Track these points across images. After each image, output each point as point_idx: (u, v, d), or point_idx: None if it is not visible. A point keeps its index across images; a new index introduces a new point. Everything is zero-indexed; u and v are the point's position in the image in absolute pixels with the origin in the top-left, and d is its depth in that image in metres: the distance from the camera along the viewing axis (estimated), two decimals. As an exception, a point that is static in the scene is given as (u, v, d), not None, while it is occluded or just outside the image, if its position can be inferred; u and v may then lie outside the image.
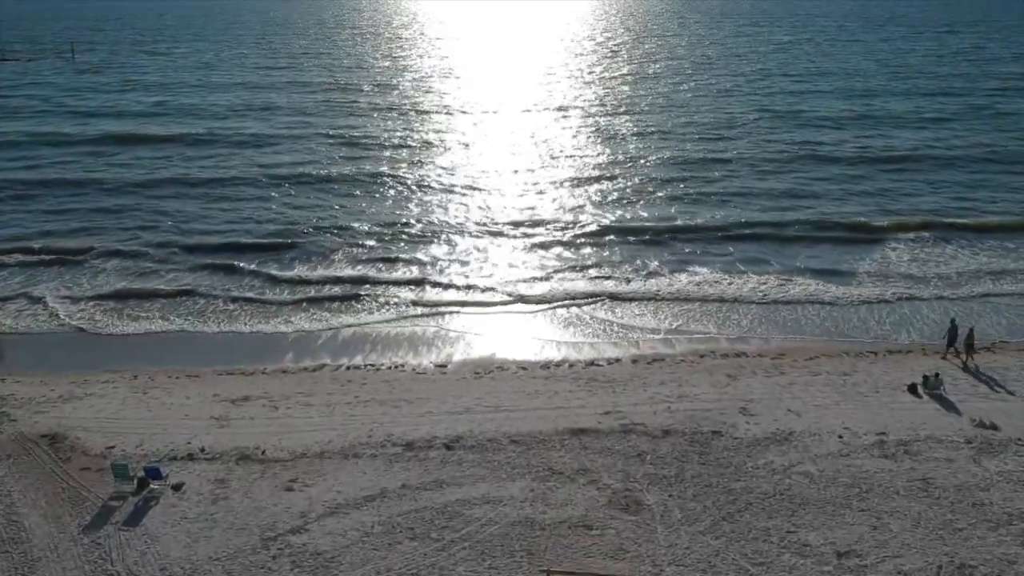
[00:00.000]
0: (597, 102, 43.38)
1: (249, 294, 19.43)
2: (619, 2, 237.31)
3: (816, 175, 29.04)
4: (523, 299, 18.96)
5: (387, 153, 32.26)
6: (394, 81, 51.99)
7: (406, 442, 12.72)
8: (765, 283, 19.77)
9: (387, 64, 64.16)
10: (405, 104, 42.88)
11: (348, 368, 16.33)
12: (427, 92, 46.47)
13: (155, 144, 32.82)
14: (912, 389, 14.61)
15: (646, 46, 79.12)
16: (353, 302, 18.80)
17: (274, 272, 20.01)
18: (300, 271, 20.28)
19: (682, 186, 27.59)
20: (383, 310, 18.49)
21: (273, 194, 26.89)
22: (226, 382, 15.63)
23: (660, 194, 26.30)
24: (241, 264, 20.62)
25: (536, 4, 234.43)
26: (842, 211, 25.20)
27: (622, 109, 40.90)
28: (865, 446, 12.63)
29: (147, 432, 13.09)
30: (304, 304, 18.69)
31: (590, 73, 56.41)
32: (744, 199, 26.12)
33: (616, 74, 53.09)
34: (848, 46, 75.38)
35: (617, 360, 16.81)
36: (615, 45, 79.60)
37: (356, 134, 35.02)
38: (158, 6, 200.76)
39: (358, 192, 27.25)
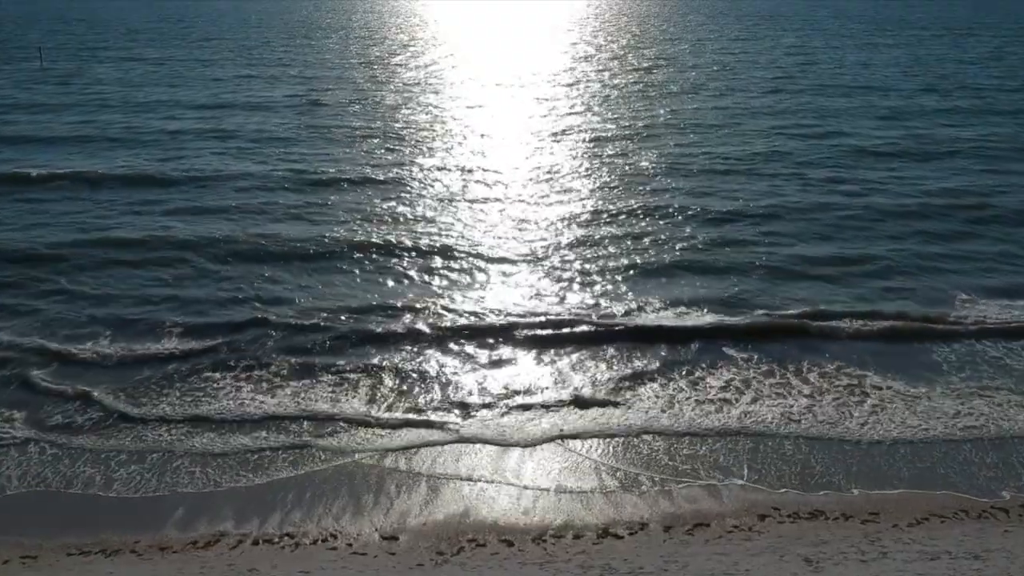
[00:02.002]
0: (601, 125, 38.33)
1: (125, 407, 13.84)
2: (614, 1, 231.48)
3: (879, 234, 22.17)
4: (508, 424, 13.71)
5: (349, 194, 27.49)
6: (377, 95, 46.98)
7: None
8: (833, 398, 14.32)
9: (373, 72, 59.32)
10: (384, 127, 38.00)
11: (256, 542, 11.48)
12: (408, 118, 41.17)
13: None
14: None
15: (649, 51, 74.28)
16: (279, 425, 13.52)
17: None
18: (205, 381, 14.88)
19: (712, 258, 20.72)
20: (323, 436, 13.76)
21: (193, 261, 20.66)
22: (71, 570, 10.84)
23: (681, 279, 19.77)
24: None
25: (531, 4, 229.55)
26: (919, 285, 18.97)
27: (628, 134, 35.77)
28: None
29: None
30: (207, 430, 13.40)
31: (589, 87, 51.30)
32: (781, 276, 19.47)
33: (621, 92, 47.84)
34: (868, 51, 70.52)
35: (642, 525, 11.84)
36: (617, 51, 74.65)
37: (325, 172, 28.76)
38: (140, 6, 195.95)
39: (299, 263, 20.68)
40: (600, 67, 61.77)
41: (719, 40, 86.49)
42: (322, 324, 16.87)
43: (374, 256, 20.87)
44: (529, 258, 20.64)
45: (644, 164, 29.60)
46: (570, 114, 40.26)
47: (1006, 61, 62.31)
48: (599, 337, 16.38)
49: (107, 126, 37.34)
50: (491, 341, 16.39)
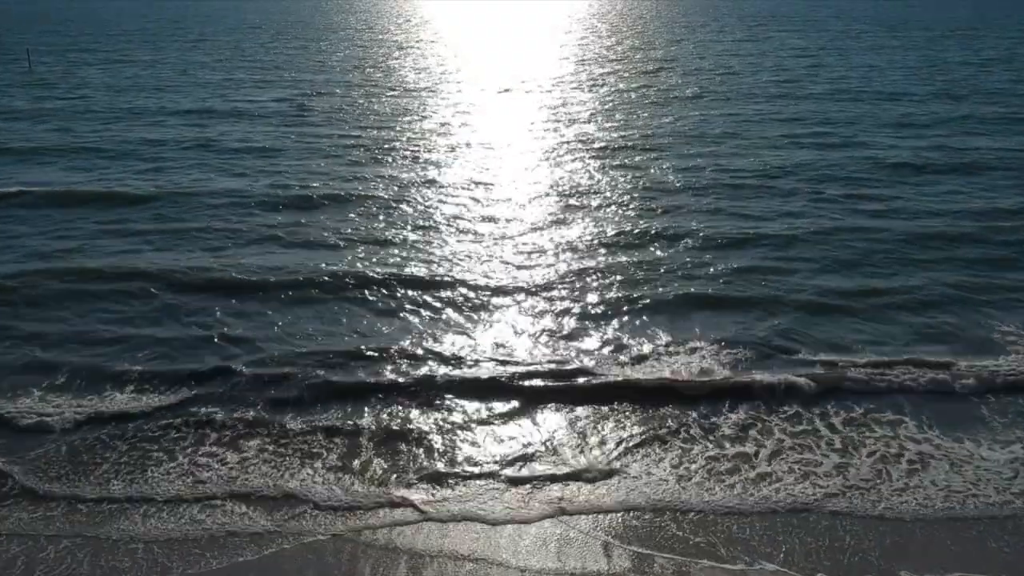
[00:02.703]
0: (604, 136, 36.59)
1: (51, 486, 11.93)
2: (615, 1, 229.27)
3: (908, 260, 20.23)
4: (500, 496, 11.95)
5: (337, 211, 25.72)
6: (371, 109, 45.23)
7: None
8: (868, 454, 12.49)
9: (367, 75, 57.52)
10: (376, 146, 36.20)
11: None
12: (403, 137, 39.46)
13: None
14: None
15: (651, 54, 72.47)
16: (241, 500, 11.65)
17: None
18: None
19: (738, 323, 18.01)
20: (292, 513, 11.49)
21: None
22: None
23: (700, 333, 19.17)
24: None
25: (530, 4, 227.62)
26: (957, 321, 16.91)
27: (632, 146, 33.91)
28: None
29: None
30: (156, 509, 11.56)
31: (591, 93, 49.57)
32: (802, 312, 17.48)
33: (624, 100, 46.03)
34: (875, 54, 68.69)
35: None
36: (619, 54, 72.78)
37: (308, 187, 26.69)
38: (139, 6, 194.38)
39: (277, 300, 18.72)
40: (603, 71, 59.92)
41: (722, 42, 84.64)
42: (294, 374, 15.05)
43: (354, 289, 19.04)
44: (525, 292, 18.81)
45: (649, 181, 27.77)
46: (571, 124, 38.44)
47: (1019, 64, 60.43)
48: (603, 392, 14.53)
49: (85, 136, 35.54)
50: (482, 396, 14.54)
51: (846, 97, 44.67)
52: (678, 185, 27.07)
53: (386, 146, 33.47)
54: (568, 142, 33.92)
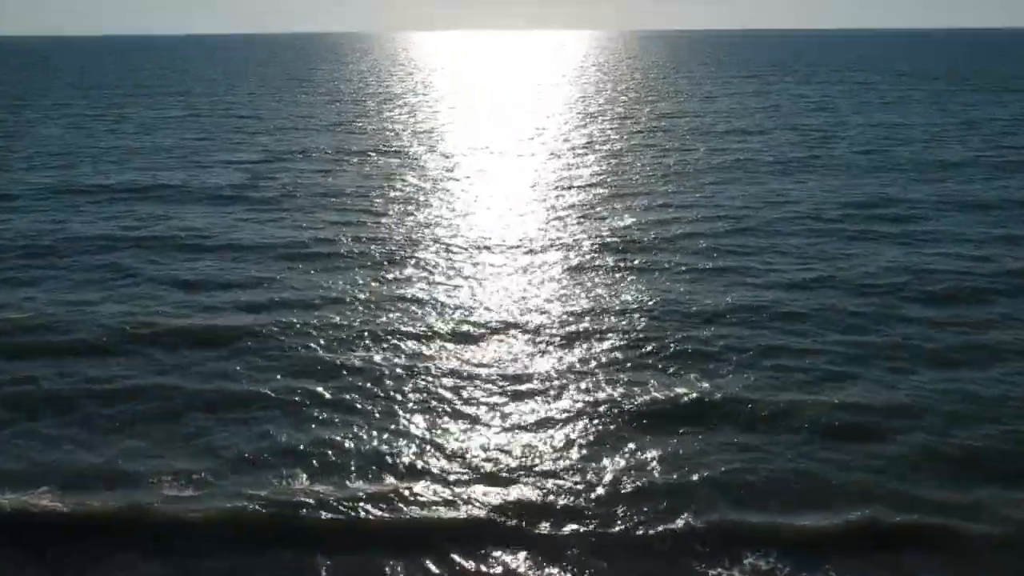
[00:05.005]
0: (608, 203, 30.75)
1: None
2: (612, 48, 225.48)
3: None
4: None
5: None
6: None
7: None
8: None
9: (351, 129, 52.03)
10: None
11: None
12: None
13: None
14: None
15: (658, 107, 67.39)
16: None
17: None
18: None
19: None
20: None
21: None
22: None
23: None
24: None
25: (520, 41, 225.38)
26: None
27: (641, 230, 27.75)
28: None
29: None
30: None
31: (593, 153, 43.86)
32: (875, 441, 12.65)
33: (631, 168, 40.10)
34: (899, 109, 63.68)
35: None
36: (623, 109, 67.59)
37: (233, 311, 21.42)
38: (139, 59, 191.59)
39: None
40: (607, 127, 54.47)
41: (731, 95, 79.71)
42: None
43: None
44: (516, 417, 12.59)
45: (665, 278, 21.74)
46: (570, 188, 32.70)
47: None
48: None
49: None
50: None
51: (883, 164, 39.09)
52: (697, 297, 21.01)
53: (365, 215, 27.48)
54: (563, 215, 27.95)
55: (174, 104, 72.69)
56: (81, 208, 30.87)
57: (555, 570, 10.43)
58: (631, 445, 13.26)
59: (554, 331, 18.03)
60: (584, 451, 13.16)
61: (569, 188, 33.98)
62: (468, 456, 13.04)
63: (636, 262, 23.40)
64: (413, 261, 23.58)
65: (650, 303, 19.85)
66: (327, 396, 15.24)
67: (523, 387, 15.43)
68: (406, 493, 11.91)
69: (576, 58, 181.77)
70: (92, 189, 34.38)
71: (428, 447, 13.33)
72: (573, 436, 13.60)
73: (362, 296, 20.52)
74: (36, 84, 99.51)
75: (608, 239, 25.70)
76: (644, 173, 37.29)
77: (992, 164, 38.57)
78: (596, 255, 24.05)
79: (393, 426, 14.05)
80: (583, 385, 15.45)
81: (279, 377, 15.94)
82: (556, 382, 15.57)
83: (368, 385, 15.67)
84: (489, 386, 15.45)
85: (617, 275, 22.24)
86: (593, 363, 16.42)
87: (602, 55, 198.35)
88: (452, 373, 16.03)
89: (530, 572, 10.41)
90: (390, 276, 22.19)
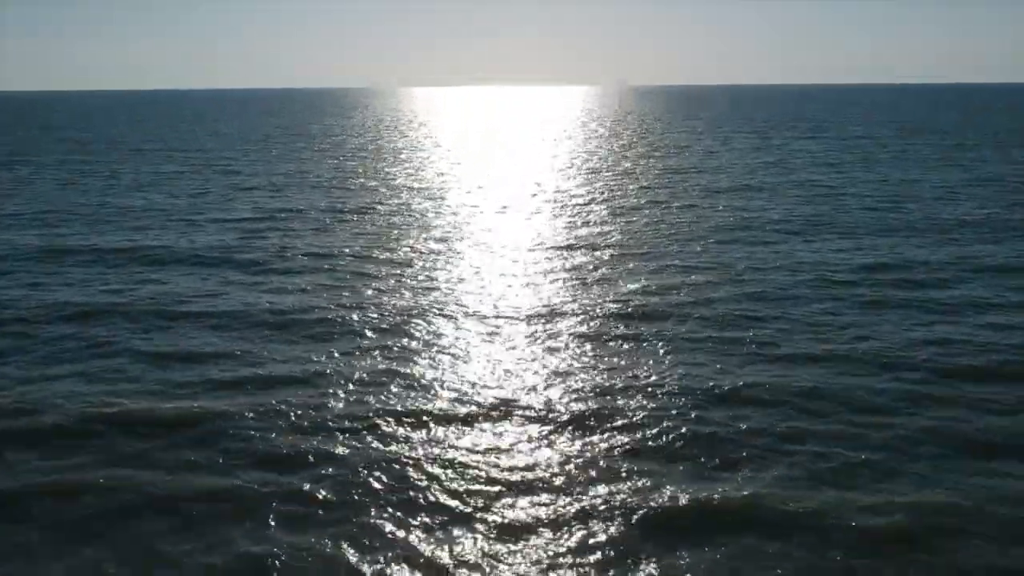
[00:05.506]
0: (606, 283, 29.54)
1: None
2: (605, 106, 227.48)
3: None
4: None
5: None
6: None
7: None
8: None
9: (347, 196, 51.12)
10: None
11: None
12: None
13: None
14: None
15: (664, 162, 66.81)
16: None
17: None
18: None
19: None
20: None
21: None
22: None
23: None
24: None
25: (524, 97, 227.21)
26: None
27: (649, 301, 26.56)
28: None
29: None
30: None
31: (592, 225, 42.87)
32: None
33: (638, 219, 39.15)
34: (917, 171, 62.99)
35: None
36: (628, 157, 67.02)
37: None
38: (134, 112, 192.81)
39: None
40: (611, 183, 53.64)
41: (732, 149, 79.35)
42: None
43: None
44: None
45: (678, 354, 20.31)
46: (574, 249, 31.46)
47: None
48: None
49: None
50: None
51: (909, 232, 37.97)
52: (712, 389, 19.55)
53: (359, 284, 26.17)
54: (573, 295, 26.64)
55: (178, 159, 72.16)
56: (62, 271, 29.64)
57: None
58: (645, 555, 11.65)
59: (556, 415, 16.52)
60: (589, 563, 11.55)
61: (574, 249, 32.79)
62: (461, 566, 11.45)
63: (643, 331, 21.99)
64: (406, 331, 22.16)
65: (659, 381, 18.36)
66: (303, 490, 13.69)
67: (521, 480, 13.89)
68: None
69: (577, 112, 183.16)
70: (77, 249, 33.29)
71: (413, 556, 11.75)
72: (573, 544, 12.01)
73: (348, 372, 19.05)
74: (32, 139, 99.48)
75: (613, 307, 24.31)
76: (649, 232, 36.16)
77: (1005, 223, 37.42)
78: (601, 324, 22.66)
79: (377, 531, 12.48)
80: (588, 481, 13.88)
81: (250, 470, 14.38)
82: (558, 477, 14.01)
83: (349, 478, 14.12)
84: (484, 480, 13.90)
85: (624, 347, 20.80)
86: (599, 454, 14.87)
87: (600, 109, 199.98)
88: (447, 463, 14.49)
89: None
90: (381, 348, 20.75)
